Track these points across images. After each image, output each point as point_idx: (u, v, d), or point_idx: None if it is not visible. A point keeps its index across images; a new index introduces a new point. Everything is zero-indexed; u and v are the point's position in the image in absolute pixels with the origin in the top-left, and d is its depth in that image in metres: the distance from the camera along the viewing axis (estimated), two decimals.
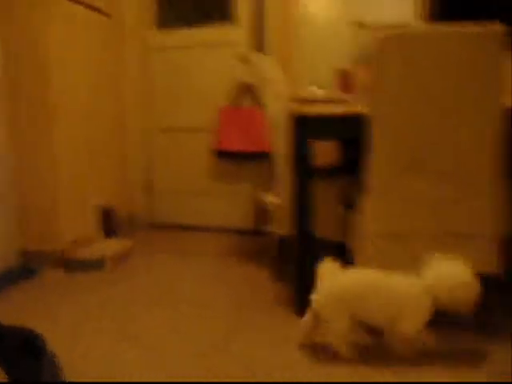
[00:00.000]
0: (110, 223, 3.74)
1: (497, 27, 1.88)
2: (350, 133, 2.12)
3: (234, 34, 3.95)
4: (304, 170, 2.22)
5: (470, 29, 1.87)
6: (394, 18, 3.85)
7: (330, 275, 1.92)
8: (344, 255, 2.18)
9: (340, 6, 3.82)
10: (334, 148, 3.40)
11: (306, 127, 2.17)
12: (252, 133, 3.69)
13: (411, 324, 1.87)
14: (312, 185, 2.28)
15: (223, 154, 3.92)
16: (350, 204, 2.32)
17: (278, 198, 2.71)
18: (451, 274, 1.85)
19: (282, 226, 2.65)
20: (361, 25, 3.46)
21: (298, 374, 1.82)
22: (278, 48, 3.84)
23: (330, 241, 2.57)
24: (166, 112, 4.23)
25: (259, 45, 3.86)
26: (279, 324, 2.23)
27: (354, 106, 2.18)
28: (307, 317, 1.97)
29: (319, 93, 2.92)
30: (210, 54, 4.03)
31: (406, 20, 3.87)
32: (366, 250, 2.06)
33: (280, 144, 2.56)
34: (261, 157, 3.41)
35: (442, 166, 1.99)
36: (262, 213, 3.81)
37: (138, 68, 4.19)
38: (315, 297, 1.91)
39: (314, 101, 2.57)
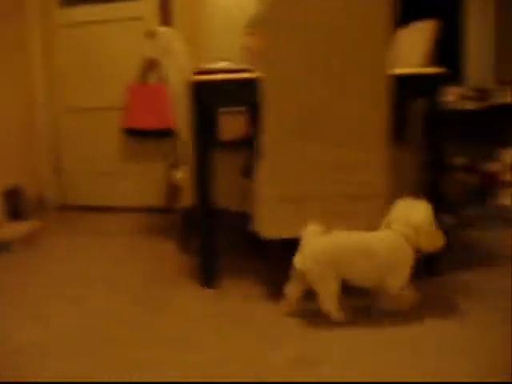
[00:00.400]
0: (16, 204, 3.61)
1: None
2: (247, 99, 2.13)
3: (142, 10, 3.89)
4: (203, 141, 2.21)
5: None
6: None
7: (313, 238, 1.88)
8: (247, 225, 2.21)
9: None
10: (244, 121, 3.41)
11: (202, 95, 2.17)
12: (159, 109, 3.66)
13: (400, 278, 1.88)
14: (213, 156, 2.29)
15: (132, 132, 3.87)
16: (249, 173, 2.34)
17: (186, 173, 2.70)
18: (421, 219, 1.88)
19: (186, 199, 2.64)
20: None
21: (198, 345, 1.83)
22: (186, 22, 3.81)
23: (235, 211, 2.58)
24: (75, 91, 4.12)
25: (167, 20, 3.81)
26: (182, 295, 2.23)
27: (252, 73, 2.19)
28: (292, 283, 1.93)
29: (223, 65, 2.91)
30: (119, 30, 3.95)
31: None
32: (260, 214, 2.08)
33: (182, 117, 2.55)
34: (169, 133, 3.38)
35: (334, 130, 2.03)
36: (173, 190, 3.79)
37: (43, 46, 4.06)
38: (301, 260, 1.87)
39: (215, 72, 2.56)
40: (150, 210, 4.02)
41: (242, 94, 2.14)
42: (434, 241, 1.89)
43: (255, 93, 2.01)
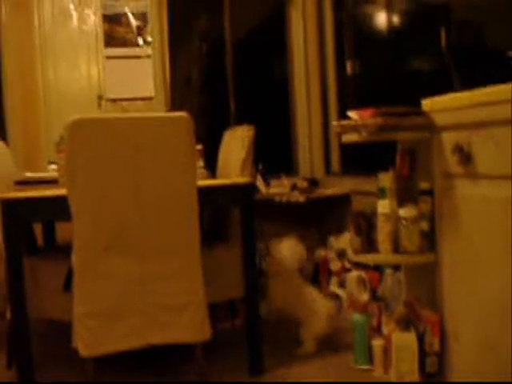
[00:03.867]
0: None
1: (183, 114, 2.05)
2: (61, 215, 2.13)
3: None
4: (14, 253, 2.16)
5: (156, 115, 2.02)
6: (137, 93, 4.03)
7: None
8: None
9: (85, 80, 3.89)
10: None
11: (12, 212, 2.14)
12: None
13: None
14: (35, 265, 2.24)
15: None
16: (69, 286, 2.30)
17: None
18: None
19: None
20: (100, 97, 3.56)
21: None
22: (21, 128, 3.76)
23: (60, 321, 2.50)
24: None
25: (1, 128, 3.74)
26: None
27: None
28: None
29: (46, 173, 2.90)
30: None
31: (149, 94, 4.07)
32: (76, 331, 2.05)
33: None
34: None
35: (146, 243, 2.08)
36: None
37: None
38: None
39: (36, 181, 2.55)
40: None
41: (56, 209, 2.14)
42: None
43: (67, 209, 2.02)
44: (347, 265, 3.40)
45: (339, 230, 3.67)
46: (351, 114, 1.75)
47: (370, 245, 1.74)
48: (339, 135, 1.82)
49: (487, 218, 1.45)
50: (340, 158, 4.11)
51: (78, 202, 1.99)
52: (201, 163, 3.07)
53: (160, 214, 2.08)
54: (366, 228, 1.72)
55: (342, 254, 3.55)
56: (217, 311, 2.95)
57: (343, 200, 3.74)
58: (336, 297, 3.29)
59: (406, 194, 1.78)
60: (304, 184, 3.94)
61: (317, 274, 3.61)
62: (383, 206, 1.70)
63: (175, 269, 2.12)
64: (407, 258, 1.68)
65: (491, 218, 1.43)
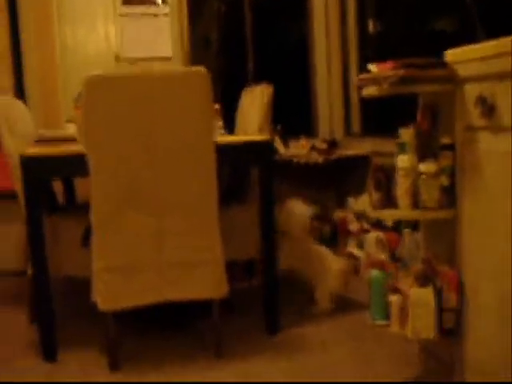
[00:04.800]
0: None
1: (201, 69, 2.02)
2: (78, 172, 2.14)
3: None
4: (34, 209, 2.18)
5: (173, 70, 2.00)
6: (155, 53, 3.98)
7: None
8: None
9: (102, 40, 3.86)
10: None
11: (31, 168, 2.15)
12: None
13: None
14: (54, 222, 2.26)
15: None
16: (87, 242, 2.32)
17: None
18: None
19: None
20: (117, 57, 3.52)
21: None
22: (39, 87, 3.76)
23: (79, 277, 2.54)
24: None
25: (20, 88, 3.74)
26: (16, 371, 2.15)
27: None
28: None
29: (70, 131, 2.90)
30: None
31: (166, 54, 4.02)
32: (95, 286, 2.08)
33: (18, 184, 2.50)
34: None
35: (162, 200, 2.08)
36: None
37: None
38: None
39: (54, 140, 2.55)
40: (12, 273, 3.84)
41: (73, 166, 2.15)
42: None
43: (85, 166, 2.03)
44: (366, 226, 3.38)
45: (358, 192, 3.64)
46: (371, 66, 1.71)
47: (389, 200, 1.71)
48: (359, 89, 1.78)
49: (509, 171, 1.41)
50: (360, 119, 4.05)
51: (94, 158, 1.99)
52: (219, 123, 3.04)
53: (177, 171, 2.07)
54: (386, 183, 1.69)
55: (360, 216, 3.53)
56: (234, 271, 2.96)
57: (362, 161, 3.69)
58: (354, 258, 3.28)
59: (426, 150, 1.75)
60: (323, 145, 3.90)
61: (335, 236, 3.60)
62: (403, 160, 1.66)
63: (192, 225, 2.12)
64: (426, 213, 1.65)
65: None
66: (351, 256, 3.30)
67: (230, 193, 2.85)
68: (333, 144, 3.97)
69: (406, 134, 1.75)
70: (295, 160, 3.66)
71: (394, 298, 1.73)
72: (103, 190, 2.01)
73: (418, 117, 1.88)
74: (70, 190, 3.06)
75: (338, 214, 3.62)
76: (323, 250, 2.70)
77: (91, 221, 2.05)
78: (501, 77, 1.40)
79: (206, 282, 2.17)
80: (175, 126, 2.03)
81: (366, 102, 3.95)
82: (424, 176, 1.64)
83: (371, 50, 3.86)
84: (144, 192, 2.05)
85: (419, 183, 1.66)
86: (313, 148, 3.84)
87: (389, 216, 1.88)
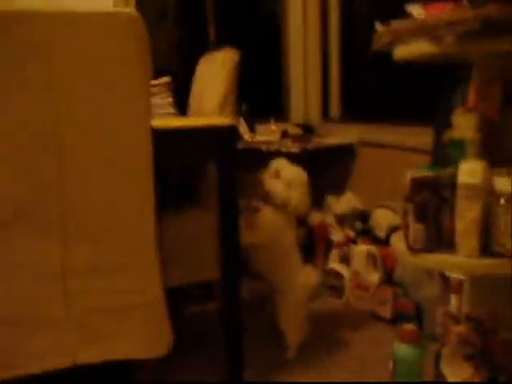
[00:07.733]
0: None
1: (128, 10, 1.28)
2: None
3: None
4: None
5: (80, 11, 1.24)
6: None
7: None
8: None
9: None
10: None
11: None
12: None
13: None
14: None
15: None
16: None
17: None
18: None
19: None
20: None
21: None
22: None
23: None
24: None
25: None
26: None
27: None
28: None
29: None
30: None
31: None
32: None
33: None
34: None
35: (70, 220, 1.33)
36: None
37: None
38: None
39: None
40: None
41: None
42: (304, 200, 2.02)
43: None
44: (351, 234, 2.71)
45: (340, 190, 2.98)
46: (414, 9, 1.00)
47: (438, 237, 1.02)
48: (388, 46, 1.06)
49: None
50: (341, 100, 3.37)
51: None
52: (169, 99, 2.32)
53: (91, 173, 1.32)
54: (435, 210, 1.00)
55: (343, 220, 2.86)
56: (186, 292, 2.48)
57: (346, 152, 3.04)
58: (336, 276, 2.60)
59: (493, 154, 1.06)
60: (296, 130, 3.22)
61: (312, 243, 2.91)
62: (469, 171, 0.96)
63: (117, 256, 1.39)
64: (506, 262, 0.97)
65: None
66: (333, 273, 2.63)
67: (180, 191, 2.18)
68: (308, 130, 3.30)
69: (465, 121, 1.05)
70: (264, 148, 2.95)
71: None
72: None
73: (471, 98, 1.18)
74: None
75: (315, 217, 2.92)
76: (295, 258, 2.11)
77: None
78: None
79: (137, 335, 1.46)
80: (88, 100, 1.28)
81: (349, 79, 3.28)
82: (503, 200, 0.95)
83: (357, 11, 3.20)
84: (41, 208, 1.30)
85: (494, 211, 0.97)
86: (285, 134, 3.14)
87: (442, 265, 1.16)
